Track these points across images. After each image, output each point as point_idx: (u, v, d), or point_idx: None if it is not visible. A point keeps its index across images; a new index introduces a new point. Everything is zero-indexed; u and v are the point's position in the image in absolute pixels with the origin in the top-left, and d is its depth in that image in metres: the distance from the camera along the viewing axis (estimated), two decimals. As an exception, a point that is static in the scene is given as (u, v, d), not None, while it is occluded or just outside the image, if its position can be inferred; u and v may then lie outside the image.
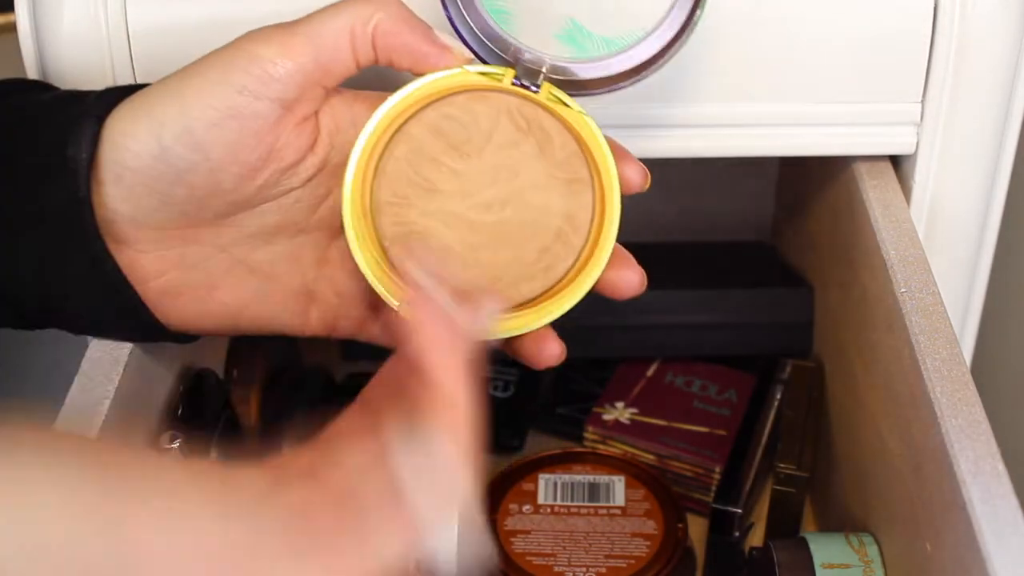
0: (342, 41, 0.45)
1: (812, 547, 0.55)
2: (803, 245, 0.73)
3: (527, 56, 0.48)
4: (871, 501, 0.57)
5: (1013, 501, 0.43)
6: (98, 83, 0.54)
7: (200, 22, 0.54)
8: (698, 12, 0.47)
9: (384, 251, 0.48)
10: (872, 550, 0.54)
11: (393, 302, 0.47)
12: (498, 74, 0.47)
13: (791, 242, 0.77)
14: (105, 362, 0.50)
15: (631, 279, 0.48)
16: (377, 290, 0.47)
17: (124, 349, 0.50)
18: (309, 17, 0.46)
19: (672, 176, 0.79)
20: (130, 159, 0.45)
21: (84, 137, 0.45)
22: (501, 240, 0.48)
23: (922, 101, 0.57)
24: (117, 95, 0.47)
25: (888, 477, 0.54)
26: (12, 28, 0.54)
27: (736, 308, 0.71)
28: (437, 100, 0.47)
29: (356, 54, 0.46)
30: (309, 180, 0.48)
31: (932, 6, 0.55)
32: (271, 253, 0.49)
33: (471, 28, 0.48)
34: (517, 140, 0.48)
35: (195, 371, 0.58)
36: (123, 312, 0.48)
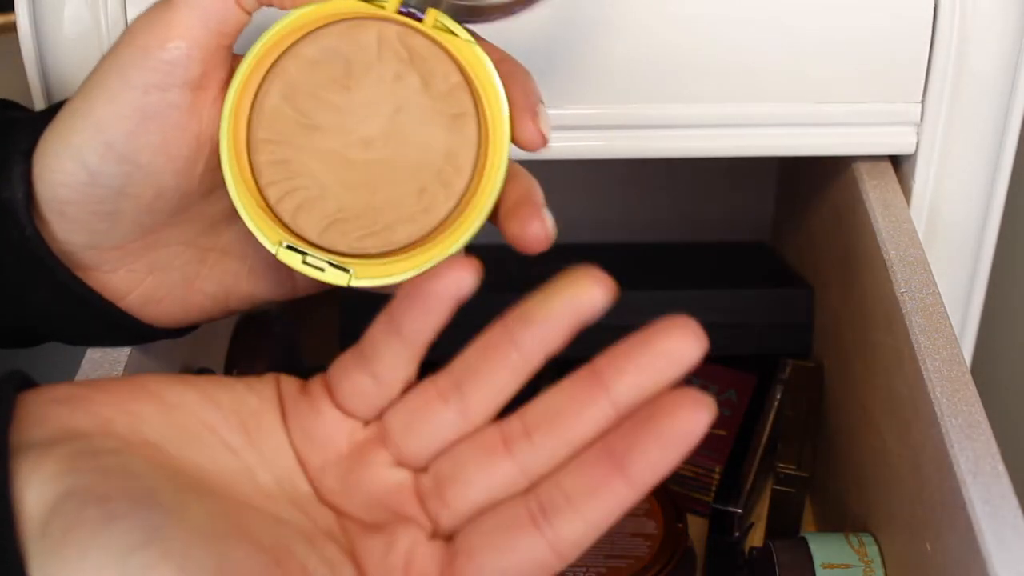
0: (224, 3, 0.43)
1: (812, 547, 0.55)
2: (803, 245, 0.73)
3: None
4: (871, 501, 0.57)
5: (1013, 501, 0.43)
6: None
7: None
8: None
9: (261, 191, 0.45)
10: (872, 550, 0.54)
11: (270, 245, 0.45)
12: (381, 1, 0.44)
13: (791, 242, 0.77)
14: (105, 363, 0.50)
15: (536, 232, 0.43)
16: (254, 233, 0.45)
17: (124, 350, 0.50)
18: None
19: (672, 176, 0.79)
20: (64, 193, 0.44)
21: (15, 178, 0.44)
22: (378, 180, 0.44)
23: (922, 101, 0.57)
24: (41, 124, 0.45)
25: (888, 477, 0.54)
26: (12, 28, 0.54)
27: (736, 308, 0.71)
28: (316, 30, 0.44)
29: (241, 3, 0.43)
30: None
31: (932, 6, 0.55)
32: (238, 232, 0.48)
33: None
34: (400, 72, 0.44)
35: (195, 371, 0.58)
36: (109, 326, 0.48)
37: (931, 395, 0.47)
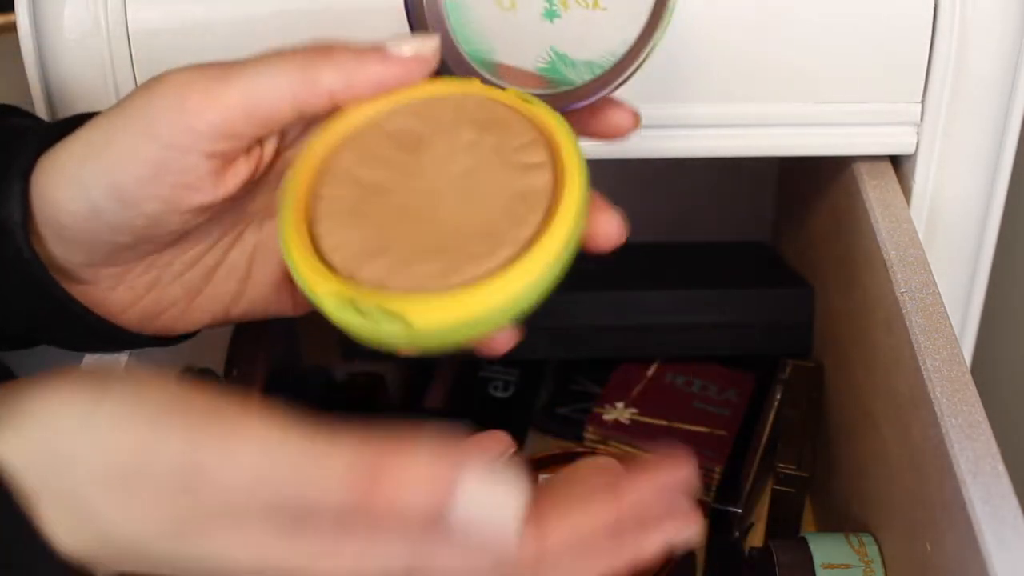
0: (281, 102, 0.41)
1: (812, 547, 0.55)
2: (803, 245, 0.73)
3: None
4: (871, 501, 0.57)
5: (1013, 501, 0.43)
6: (98, 83, 0.54)
7: (200, 22, 0.54)
8: (668, 11, 0.45)
9: (315, 241, 0.41)
10: (872, 550, 0.54)
11: (317, 296, 0.40)
12: (466, 81, 0.45)
13: (791, 242, 0.77)
14: (105, 363, 0.50)
15: (608, 225, 0.42)
16: (300, 283, 0.41)
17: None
18: (244, 66, 0.42)
19: (672, 176, 0.79)
20: (64, 219, 0.43)
21: (12, 197, 0.43)
22: (444, 226, 0.41)
23: (922, 101, 0.57)
24: (43, 139, 0.44)
25: (888, 477, 0.54)
26: (12, 28, 0.54)
27: (736, 308, 0.71)
28: (398, 106, 0.44)
29: (299, 111, 0.42)
30: (256, 181, 0.46)
31: (932, 6, 0.55)
32: (242, 251, 0.48)
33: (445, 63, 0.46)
34: (474, 137, 0.44)
35: (195, 371, 0.58)
36: (105, 339, 0.47)
37: (931, 395, 0.47)
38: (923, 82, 0.57)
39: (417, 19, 0.46)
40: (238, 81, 0.41)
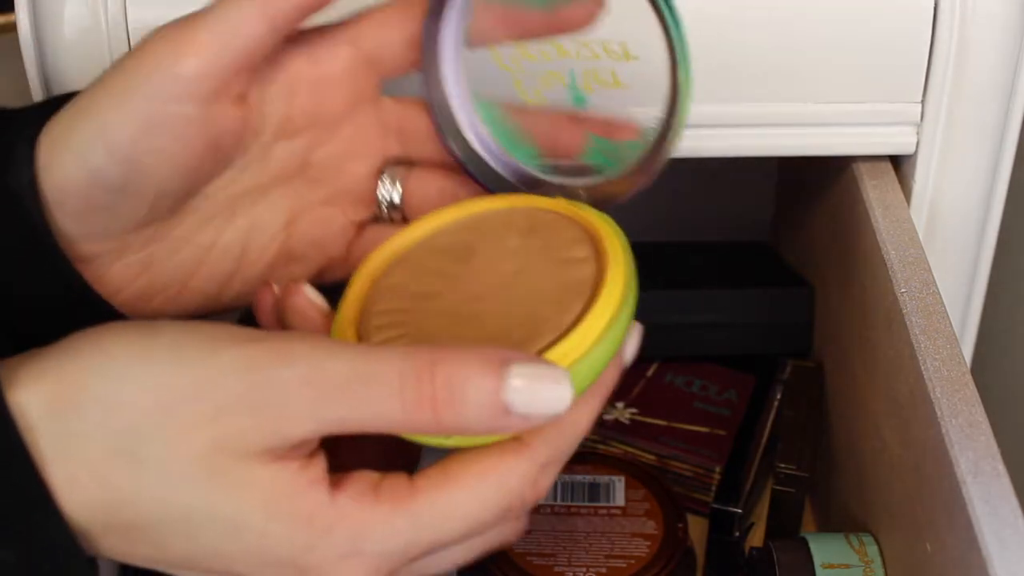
0: (252, 24, 0.43)
1: (812, 547, 0.55)
2: (803, 245, 0.73)
3: (553, 187, 0.47)
4: (871, 501, 0.57)
5: (1013, 501, 0.43)
6: (98, 83, 0.54)
7: (200, 22, 0.54)
8: (684, 77, 0.45)
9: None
10: (872, 550, 0.54)
11: None
12: (512, 196, 0.47)
13: (791, 242, 0.77)
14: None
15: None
16: None
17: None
18: (210, 7, 0.43)
19: (672, 176, 0.79)
20: (63, 186, 0.44)
21: (21, 164, 0.44)
22: (488, 320, 0.42)
23: (922, 101, 0.57)
24: (47, 111, 0.45)
25: (888, 477, 0.54)
26: (12, 28, 0.54)
27: (736, 308, 0.71)
28: (442, 228, 0.46)
29: (272, 27, 0.43)
30: (253, 150, 0.47)
31: (932, 6, 0.55)
32: (235, 230, 0.48)
33: (501, 177, 0.48)
34: (521, 242, 0.45)
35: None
36: (99, 323, 0.48)
37: (931, 395, 0.47)
38: (923, 82, 0.57)
39: (449, 130, 0.47)
40: (206, 18, 0.42)
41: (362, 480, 0.38)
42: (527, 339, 0.40)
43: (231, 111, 0.45)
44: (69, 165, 0.44)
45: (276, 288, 0.44)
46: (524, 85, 0.46)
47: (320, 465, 0.38)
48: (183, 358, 0.37)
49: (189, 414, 0.37)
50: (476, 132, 0.47)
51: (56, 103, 0.46)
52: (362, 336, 0.42)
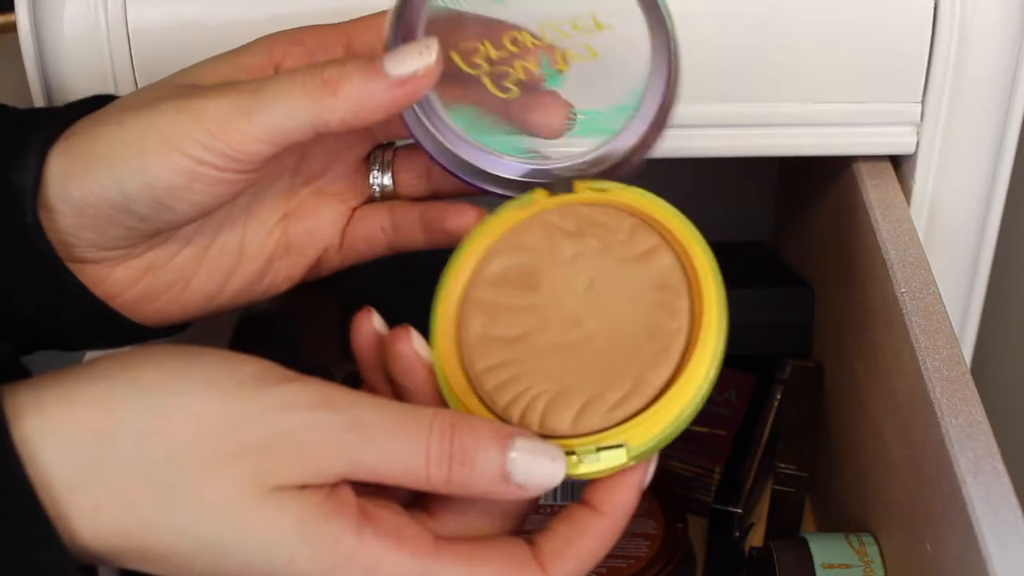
0: (300, 134, 0.43)
1: (812, 547, 0.55)
2: (803, 245, 0.73)
3: (557, 169, 0.47)
4: (871, 501, 0.57)
5: (1013, 501, 0.43)
6: (98, 83, 0.54)
7: (200, 22, 0.54)
8: (671, 25, 0.46)
9: (500, 417, 0.43)
10: (872, 550, 0.54)
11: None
12: (529, 199, 0.46)
13: (791, 242, 0.77)
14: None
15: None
16: None
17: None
18: (264, 99, 0.43)
19: (672, 176, 0.79)
20: (91, 199, 0.44)
21: (30, 165, 0.44)
22: (606, 347, 0.43)
23: (922, 101, 0.57)
24: (65, 117, 0.45)
25: (888, 477, 0.54)
26: (12, 28, 0.54)
27: (736, 308, 0.71)
28: (486, 252, 0.45)
29: (317, 136, 0.44)
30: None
31: (932, 6, 0.55)
32: (234, 227, 0.49)
33: (494, 176, 0.47)
34: (576, 248, 0.45)
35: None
36: (97, 324, 0.48)
37: (931, 395, 0.47)
38: (923, 82, 0.57)
39: (423, 136, 0.46)
40: (260, 117, 0.43)
41: (391, 521, 0.40)
42: (661, 352, 0.42)
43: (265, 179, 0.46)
44: (104, 186, 0.44)
45: (376, 322, 0.45)
46: (495, 82, 0.46)
47: (347, 493, 0.39)
48: (222, 392, 0.39)
49: (227, 446, 0.38)
50: (462, 142, 0.47)
51: (76, 108, 0.46)
52: (488, 403, 0.43)
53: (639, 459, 0.41)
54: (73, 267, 0.46)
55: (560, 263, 0.45)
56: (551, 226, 0.45)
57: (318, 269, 0.51)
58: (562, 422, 0.42)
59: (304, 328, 0.74)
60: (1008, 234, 0.67)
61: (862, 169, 0.60)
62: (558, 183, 0.46)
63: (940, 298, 0.52)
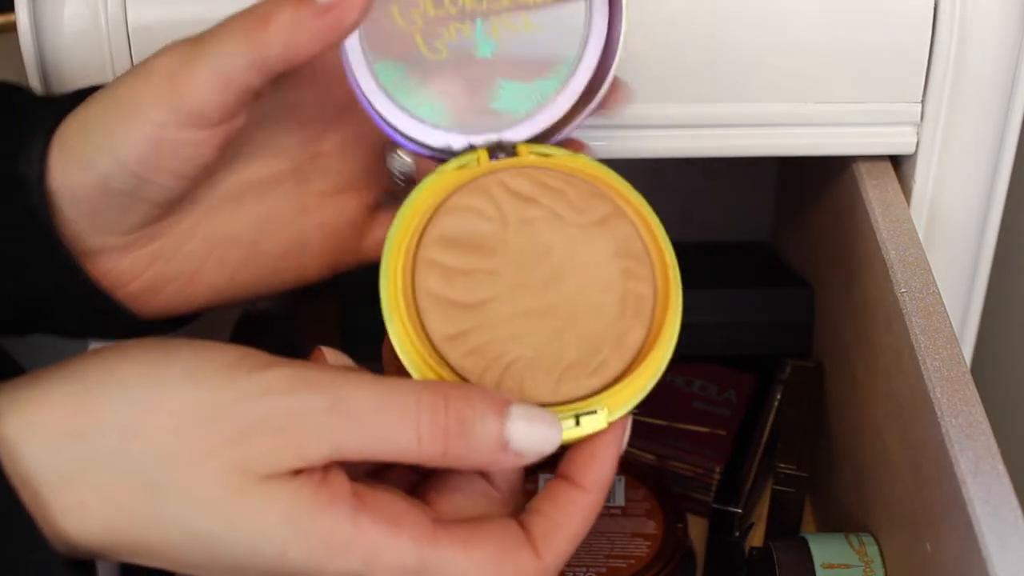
0: (247, 72, 0.43)
1: (812, 547, 0.55)
2: (803, 245, 0.73)
3: (484, 141, 0.46)
4: (871, 501, 0.57)
5: (1013, 501, 0.43)
6: (98, 82, 0.54)
7: (200, 21, 0.54)
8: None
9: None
10: (872, 550, 0.54)
11: None
12: (470, 160, 0.45)
13: (791, 242, 0.77)
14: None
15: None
16: None
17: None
18: (206, 44, 0.43)
19: (672, 176, 0.79)
20: (77, 187, 0.44)
21: (33, 155, 0.44)
22: (575, 313, 0.43)
23: (922, 101, 0.57)
24: (67, 106, 0.46)
25: (888, 477, 0.54)
26: (12, 28, 0.54)
27: (736, 308, 0.71)
28: (431, 217, 0.44)
29: (263, 76, 0.43)
30: (260, 139, 0.48)
31: (932, 6, 0.55)
32: (246, 220, 0.49)
33: (418, 141, 0.46)
34: (526, 214, 0.44)
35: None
36: (102, 315, 0.48)
37: (931, 395, 0.47)
38: (923, 82, 0.56)
39: (354, 85, 0.45)
40: (203, 65, 0.43)
41: (389, 506, 0.39)
42: (633, 318, 0.43)
43: (239, 120, 0.45)
44: (80, 171, 0.44)
45: (330, 357, 0.44)
46: (426, 41, 0.46)
47: (340, 479, 0.39)
48: (200, 382, 0.38)
49: (209, 437, 0.37)
50: (384, 97, 0.46)
51: (78, 97, 0.46)
52: (459, 372, 0.42)
53: (615, 420, 0.42)
54: (79, 258, 0.46)
55: (514, 226, 0.44)
56: (501, 187, 0.44)
57: (335, 269, 0.51)
58: (542, 389, 0.41)
59: (304, 328, 0.74)
60: (1008, 234, 0.67)
61: (862, 169, 0.60)
62: (500, 146, 0.46)
63: (940, 298, 0.52)
